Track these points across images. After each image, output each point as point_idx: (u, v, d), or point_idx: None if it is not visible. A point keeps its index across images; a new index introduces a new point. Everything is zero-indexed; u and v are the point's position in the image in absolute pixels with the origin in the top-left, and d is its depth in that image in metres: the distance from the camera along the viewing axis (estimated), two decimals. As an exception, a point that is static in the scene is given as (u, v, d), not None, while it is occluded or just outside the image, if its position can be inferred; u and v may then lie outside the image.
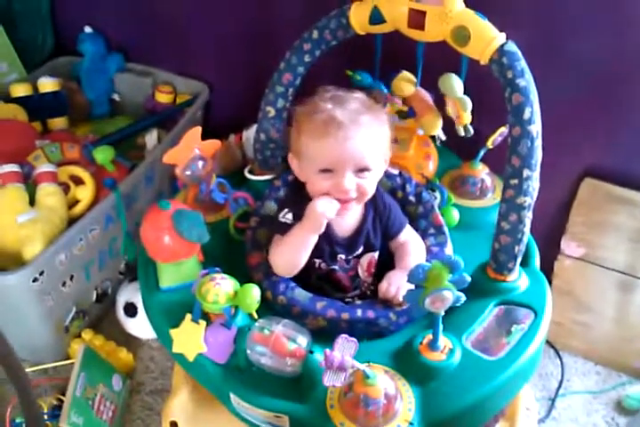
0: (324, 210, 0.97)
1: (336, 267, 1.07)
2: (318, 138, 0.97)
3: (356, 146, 0.96)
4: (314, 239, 1.00)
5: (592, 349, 1.50)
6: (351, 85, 1.21)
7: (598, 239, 1.42)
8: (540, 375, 1.47)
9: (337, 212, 0.99)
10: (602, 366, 1.50)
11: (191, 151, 1.10)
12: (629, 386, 1.44)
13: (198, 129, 1.10)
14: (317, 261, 1.06)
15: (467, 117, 1.14)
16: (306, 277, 1.06)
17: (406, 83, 1.25)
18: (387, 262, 1.10)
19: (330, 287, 1.08)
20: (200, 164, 1.10)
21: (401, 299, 0.98)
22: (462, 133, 1.17)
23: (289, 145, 1.07)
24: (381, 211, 1.08)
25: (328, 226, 1.01)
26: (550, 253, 1.45)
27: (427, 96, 1.25)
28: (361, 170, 0.98)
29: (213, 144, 1.13)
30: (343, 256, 1.07)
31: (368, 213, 1.07)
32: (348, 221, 1.06)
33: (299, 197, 1.04)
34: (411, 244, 1.09)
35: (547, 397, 1.43)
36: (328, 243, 1.05)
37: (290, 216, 1.04)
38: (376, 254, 1.09)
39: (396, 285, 1.00)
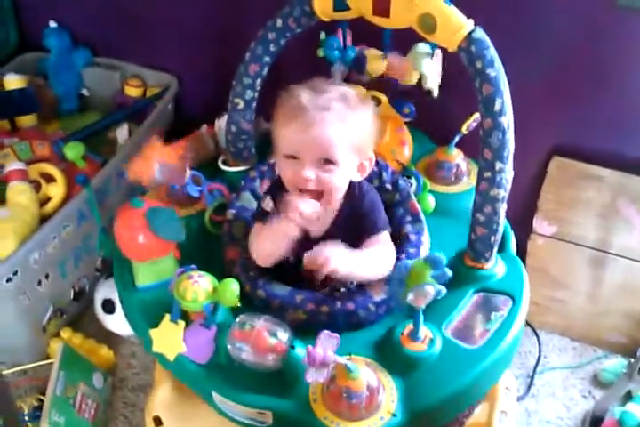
0: (301, 208, 0.93)
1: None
2: (285, 122, 0.95)
3: (320, 133, 0.92)
4: (295, 231, 0.96)
5: (568, 325, 1.53)
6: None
7: (569, 216, 1.44)
8: (518, 354, 1.50)
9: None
10: (577, 341, 1.53)
11: (153, 162, 1.05)
12: (605, 360, 1.48)
13: (155, 139, 1.07)
14: (291, 258, 1.04)
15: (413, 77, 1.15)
16: (279, 272, 1.04)
17: (376, 61, 1.22)
18: None
19: (302, 283, 1.05)
20: (166, 170, 1.06)
21: (324, 272, 0.92)
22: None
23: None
24: (358, 209, 1.03)
25: None
26: (523, 232, 1.46)
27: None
28: (325, 161, 0.94)
29: (177, 147, 1.10)
30: None
31: (343, 211, 1.04)
32: (321, 217, 1.02)
33: (280, 186, 1.02)
34: (380, 246, 1.02)
35: (525, 374, 1.46)
36: (300, 240, 1.01)
37: (270, 204, 1.02)
38: None
39: (329, 253, 0.92)
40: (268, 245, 1.01)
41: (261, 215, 1.03)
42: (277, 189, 1.03)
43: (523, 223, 1.46)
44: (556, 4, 1.23)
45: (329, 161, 0.94)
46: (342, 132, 0.94)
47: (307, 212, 0.94)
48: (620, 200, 1.38)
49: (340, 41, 1.22)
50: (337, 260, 0.92)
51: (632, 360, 1.39)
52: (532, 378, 1.45)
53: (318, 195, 0.97)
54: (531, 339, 1.53)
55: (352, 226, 1.03)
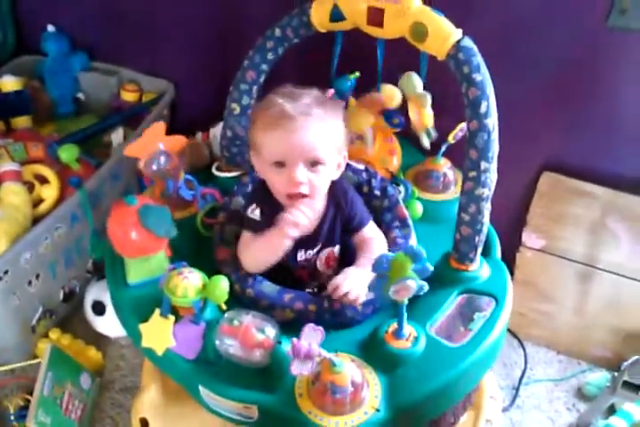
0: (296, 220, 0.97)
1: (295, 264, 1.08)
2: (270, 130, 0.98)
3: (307, 137, 0.97)
4: (289, 244, 1.01)
5: (554, 338, 1.55)
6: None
7: (558, 231, 1.46)
8: (504, 365, 1.51)
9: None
10: (563, 354, 1.54)
11: (154, 145, 1.10)
12: (589, 373, 1.49)
13: (162, 124, 1.10)
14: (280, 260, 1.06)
15: (427, 116, 1.16)
16: (267, 270, 1.06)
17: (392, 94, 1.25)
18: (348, 255, 1.11)
19: (289, 279, 1.08)
20: (163, 158, 1.10)
21: (351, 298, 0.97)
22: (426, 143, 1.18)
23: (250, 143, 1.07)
24: (343, 207, 1.08)
25: None
26: (512, 245, 1.49)
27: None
28: (313, 163, 0.99)
29: (178, 140, 1.13)
30: (303, 253, 1.08)
31: (329, 211, 1.08)
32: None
33: (266, 193, 1.05)
34: (373, 240, 1.09)
35: (511, 385, 1.47)
36: None
37: (257, 212, 1.05)
38: (335, 249, 1.11)
39: (350, 283, 0.98)
40: (263, 255, 1.03)
41: (250, 225, 1.05)
42: (262, 197, 1.05)
43: (512, 236, 1.48)
44: (547, 22, 1.26)
45: (316, 162, 0.99)
46: (325, 134, 0.99)
47: (304, 223, 0.98)
48: (609, 217, 1.40)
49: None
50: (357, 288, 0.98)
51: (616, 374, 1.40)
52: (518, 389, 1.46)
53: (305, 197, 1.00)
54: (517, 351, 1.55)
55: (338, 222, 1.08)
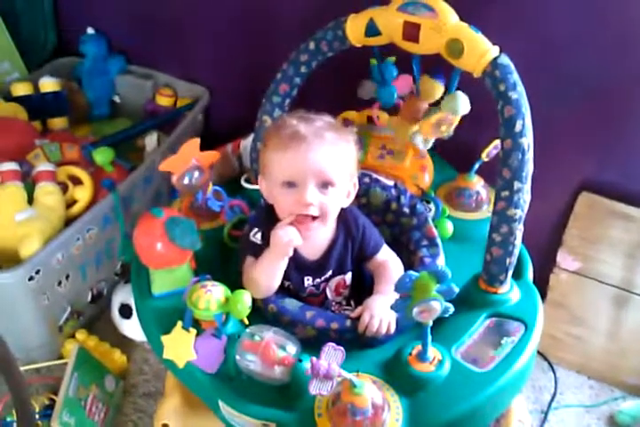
0: (289, 238, 0.97)
1: (303, 292, 1.07)
2: (282, 150, 0.98)
3: (318, 158, 0.96)
4: (283, 264, 1.01)
5: (586, 363, 1.50)
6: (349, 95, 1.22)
7: (594, 253, 1.42)
8: (533, 388, 1.47)
9: (301, 234, 0.98)
10: (595, 380, 1.49)
11: (188, 161, 1.10)
12: (622, 401, 1.44)
13: (197, 140, 1.11)
14: (287, 282, 1.06)
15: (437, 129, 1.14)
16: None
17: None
18: (362, 282, 1.11)
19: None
20: (197, 173, 1.11)
21: (384, 332, 0.97)
22: (420, 145, 1.17)
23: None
24: (354, 233, 1.07)
25: (295, 250, 1.01)
26: (546, 266, 1.45)
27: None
28: (324, 184, 0.98)
29: (211, 155, 1.14)
30: (310, 280, 1.07)
31: (338, 237, 1.07)
32: (316, 243, 1.06)
33: (268, 217, 1.04)
34: (388, 263, 1.08)
35: (539, 409, 1.43)
36: (295, 267, 1.05)
37: (259, 236, 1.04)
38: (347, 276, 1.10)
39: (379, 316, 0.97)
40: (262, 278, 1.02)
41: (252, 249, 1.04)
42: (266, 220, 1.04)
43: (547, 257, 1.45)
44: (590, 42, 1.23)
45: (327, 184, 0.98)
46: (337, 157, 0.99)
47: (297, 242, 0.98)
48: (647, 240, 1.35)
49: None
50: (386, 320, 0.97)
51: (651, 403, 1.36)
52: (547, 414, 1.42)
53: (315, 219, 1.00)
54: (547, 374, 1.50)
55: (349, 250, 1.07)
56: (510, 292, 1.03)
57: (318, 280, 1.07)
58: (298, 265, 1.05)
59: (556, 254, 1.45)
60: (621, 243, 1.39)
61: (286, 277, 1.04)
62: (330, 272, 1.07)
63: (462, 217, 1.22)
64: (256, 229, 1.05)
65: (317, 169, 0.97)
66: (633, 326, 1.42)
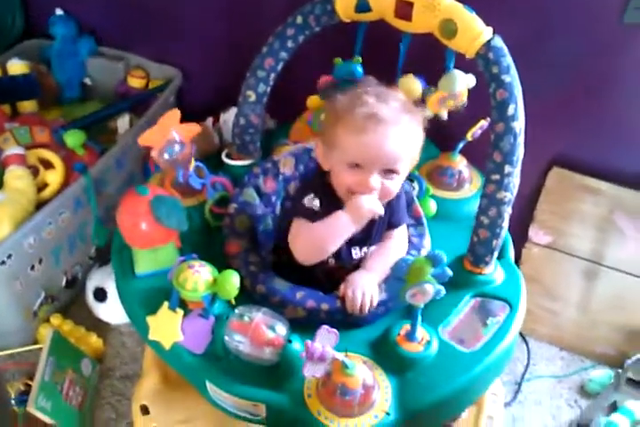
0: (371, 207, 0.95)
1: (346, 264, 1.05)
2: (357, 132, 0.94)
3: (392, 147, 0.94)
4: (353, 231, 0.98)
5: (557, 334, 1.54)
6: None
7: (565, 227, 1.45)
8: (506, 360, 1.51)
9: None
10: (566, 351, 1.54)
11: (168, 134, 1.06)
12: (592, 370, 1.49)
13: (176, 112, 1.06)
14: (329, 258, 1.03)
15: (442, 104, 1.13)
16: (308, 272, 1.04)
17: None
18: None
19: (329, 283, 1.05)
20: (177, 147, 1.06)
21: (367, 306, 0.97)
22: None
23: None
24: (393, 206, 1.05)
25: None
26: (519, 241, 1.47)
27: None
28: (389, 171, 0.96)
29: (192, 128, 1.09)
30: (358, 251, 1.05)
31: (386, 211, 1.03)
32: None
33: (325, 185, 1.01)
34: (390, 243, 1.07)
35: (513, 381, 1.47)
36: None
37: (317, 203, 1.00)
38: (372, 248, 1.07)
39: (361, 289, 0.97)
40: (324, 242, 0.98)
41: (307, 214, 1.01)
42: (322, 188, 1.02)
43: (518, 232, 1.47)
44: (561, 19, 1.24)
45: (392, 171, 0.97)
46: (408, 144, 0.97)
47: (380, 212, 0.96)
48: (616, 213, 1.39)
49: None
50: (368, 292, 0.97)
51: (619, 371, 1.40)
52: (520, 385, 1.46)
53: None
54: (520, 346, 1.54)
55: (385, 218, 1.05)
56: (495, 272, 1.04)
57: (365, 250, 1.05)
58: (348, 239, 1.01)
59: (528, 229, 1.48)
60: (591, 217, 1.42)
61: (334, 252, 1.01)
62: (373, 242, 1.05)
63: (445, 196, 1.22)
64: (312, 195, 1.01)
65: (388, 158, 0.95)
66: (602, 297, 1.46)
